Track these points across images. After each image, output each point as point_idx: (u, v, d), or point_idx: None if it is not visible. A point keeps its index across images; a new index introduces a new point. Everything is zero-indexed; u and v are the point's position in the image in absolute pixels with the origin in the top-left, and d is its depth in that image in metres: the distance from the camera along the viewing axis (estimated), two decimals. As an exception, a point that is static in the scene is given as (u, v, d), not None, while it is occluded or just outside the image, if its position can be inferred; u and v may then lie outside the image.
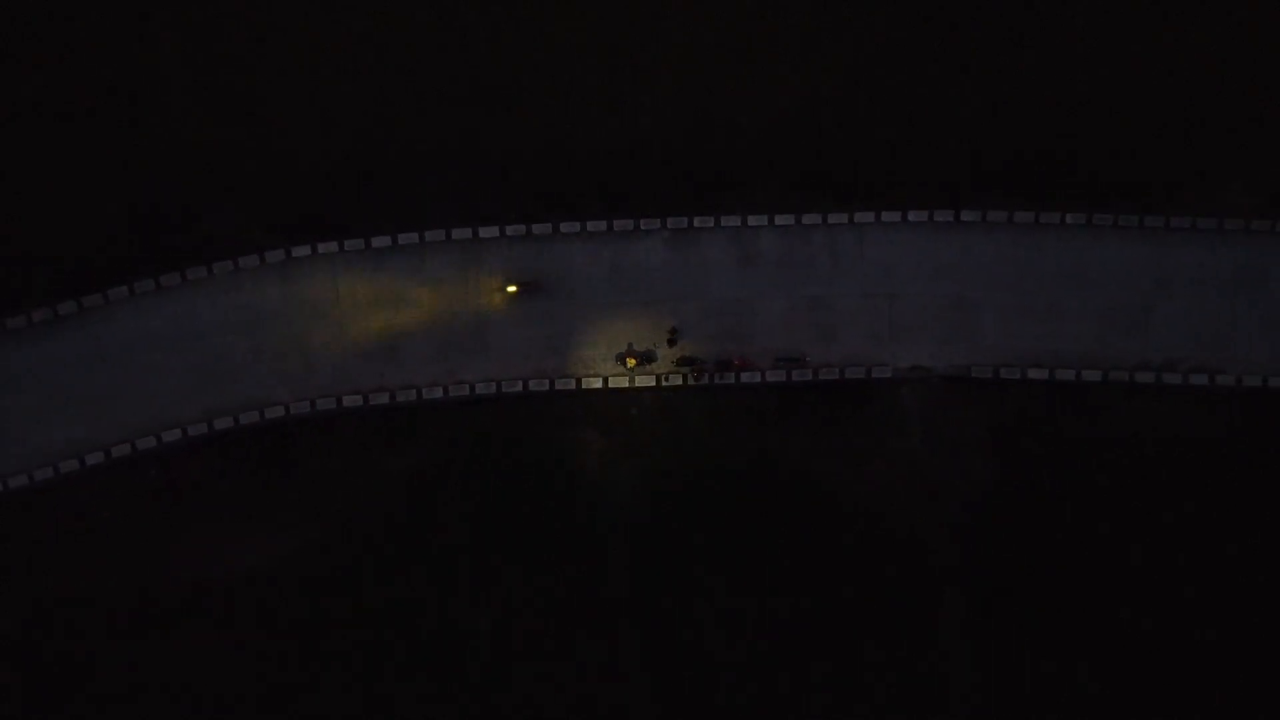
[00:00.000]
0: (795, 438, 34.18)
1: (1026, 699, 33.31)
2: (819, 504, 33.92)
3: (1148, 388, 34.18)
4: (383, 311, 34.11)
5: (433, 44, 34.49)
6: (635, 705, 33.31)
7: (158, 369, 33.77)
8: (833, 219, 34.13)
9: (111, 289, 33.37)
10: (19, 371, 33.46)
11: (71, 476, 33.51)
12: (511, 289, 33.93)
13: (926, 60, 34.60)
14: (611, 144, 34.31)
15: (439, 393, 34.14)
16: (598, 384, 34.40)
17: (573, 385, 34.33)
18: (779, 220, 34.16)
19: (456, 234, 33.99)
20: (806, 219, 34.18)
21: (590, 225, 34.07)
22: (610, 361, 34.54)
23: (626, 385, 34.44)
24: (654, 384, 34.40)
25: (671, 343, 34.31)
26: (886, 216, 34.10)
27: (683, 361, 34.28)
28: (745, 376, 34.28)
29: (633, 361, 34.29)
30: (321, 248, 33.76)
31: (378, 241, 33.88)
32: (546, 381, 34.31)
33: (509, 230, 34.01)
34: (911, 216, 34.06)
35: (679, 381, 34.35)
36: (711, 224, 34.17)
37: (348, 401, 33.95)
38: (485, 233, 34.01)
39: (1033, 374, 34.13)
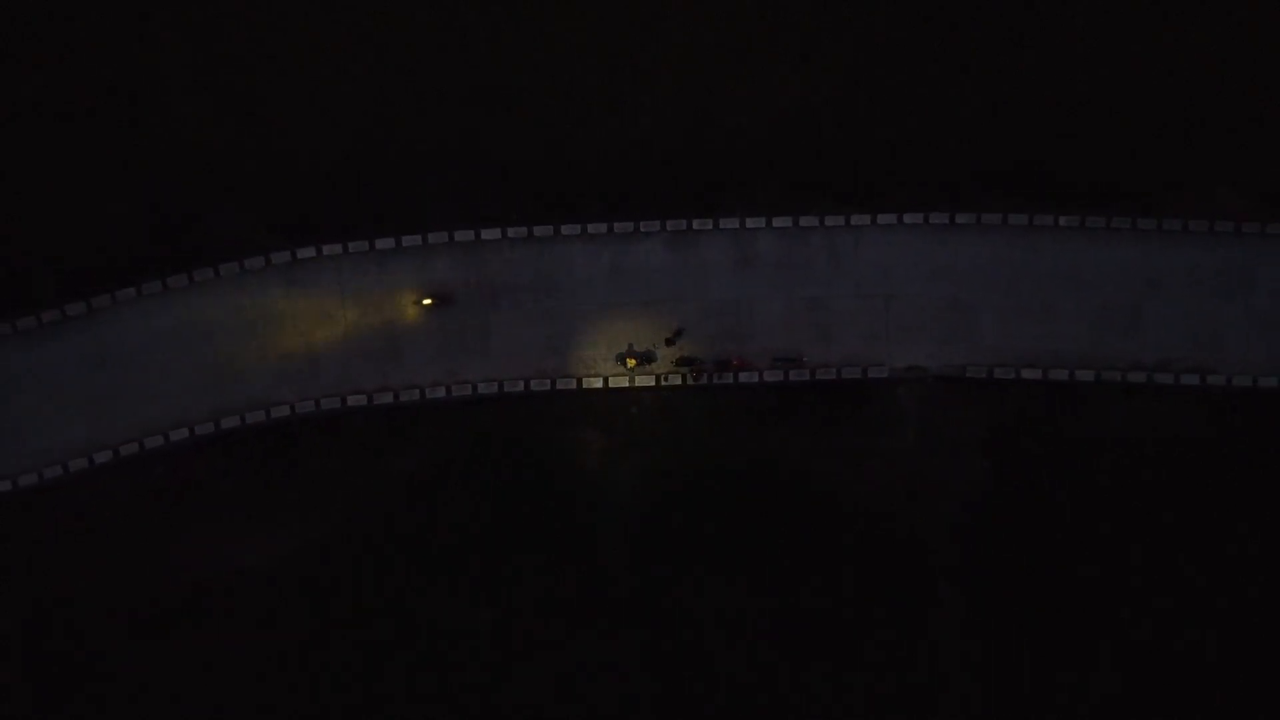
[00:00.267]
0: (793, 437, 34.31)
1: (1024, 697, 33.52)
2: (816, 501, 34.06)
3: (1140, 387, 34.30)
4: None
5: (435, 46, 34.54)
6: (635, 704, 33.45)
7: (165, 369, 33.89)
8: (830, 221, 34.22)
9: (119, 290, 33.52)
10: (29, 372, 33.62)
11: (80, 475, 33.67)
12: (426, 302, 33.95)
13: (923, 64, 34.62)
14: (611, 145, 34.35)
15: (442, 392, 34.27)
16: (598, 384, 34.53)
17: (574, 385, 34.47)
18: (777, 222, 34.25)
19: (459, 235, 34.07)
20: (804, 221, 34.27)
21: (591, 227, 34.15)
22: (611, 361, 34.67)
23: (626, 385, 34.57)
24: (654, 384, 34.52)
25: (670, 342, 34.44)
26: (883, 219, 34.19)
27: (682, 361, 34.40)
28: (743, 376, 34.39)
29: (633, 362, 34.42)
30: (326, 249, 33.88)
31: (381, 243, 33.97)
32: (548, 381, 34.45)
33: (511, 232, 34.09)
34: (907, 218, 34.17)
35: (678, 381, 34.45)
36: (710, 226, 34.25)
37: (352, 401, 34.11)
38: (487, 234, 34.09)
39: (1027, 374, 34.29)
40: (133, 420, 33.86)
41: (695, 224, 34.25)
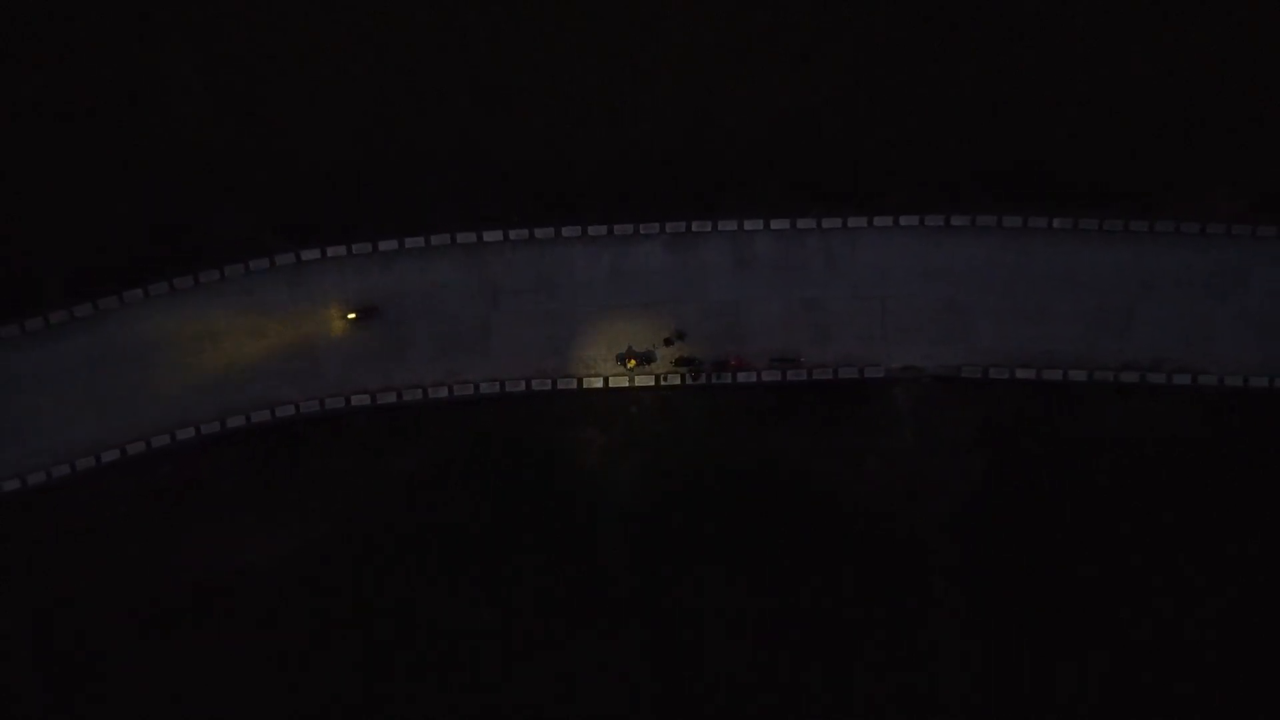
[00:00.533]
0: (790, 436, 34.49)
1: (1023, 696, 33.78)
2: (815, 500, 34.24)
3: (1133, 387, 34.47)
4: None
5: (435, 46, 34.49)
6: (636, 703, 33.68)
7: (172, 369, 34.06)
8: (827, 223, 34.31)
9: (126, 292, 33.65)
10: (37, 372, 33.78)
11: (87, 473, 33.86)
12: (350, 316, 33.99)
13: (923, 64, 34.63)
14: (611, 145, 34.38)
15: (444, 392, 34.47)
16: (599, 384, 34.70)
17: (574, 385, 34.65)
18: (775, 224, 34.36)
19: (461, 238, 34.23)
20: (801, 223, 34.37)
21: (591, 229, 34.25)
22: (611, 362, 34.84)
23: (626, 385, 34.76)
24: (653, 384, 34.69)
25: (669, 342, 34.62)
26: (879, 221, 34.31)
27: (681, 362, 34.57)
28: (742, 376, 34.58)
29: (633, 362, 34.60)
30: (330, 251, 34.04)
31: (385, 245, 34.11)
32: (549, 381, 34.64)
33: (512, 234, 34.26)
34: (903, 221, 34.28)
35: (677, 381, 34.67)
36: (709, 228, 34.37)
37: (355, 401, 34.33)
38: (489, 236, 34.25)
39: (1021, 374, 34.50)
40: (140, 419, 34.05)
41: (694, 226, 34.35)
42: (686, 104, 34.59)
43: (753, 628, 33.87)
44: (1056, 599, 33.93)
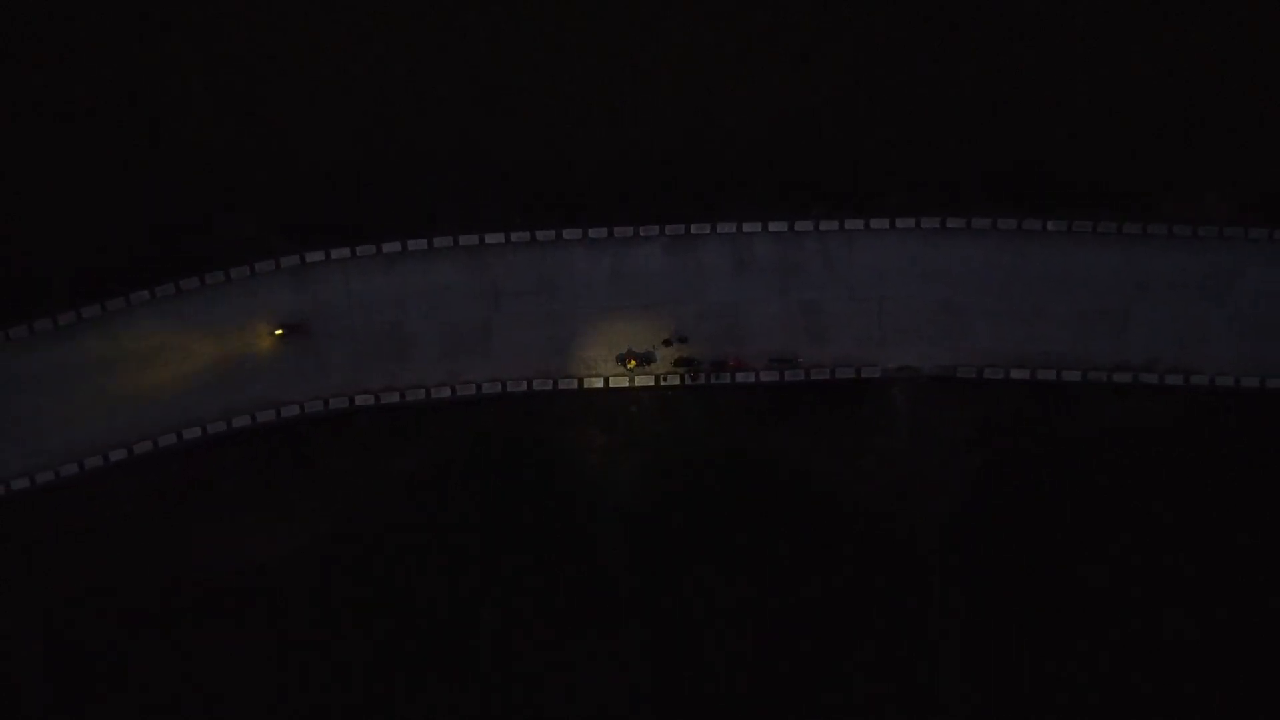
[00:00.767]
0: (789, 436, 34.68)
1: (1023, 696, 33.96)
2: (813, 499, 34.42)
3: (1126, 387, 34.66)
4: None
5: (435, 46, 34.57)
6: (636, 702, 33.84)
7: (178, 369, 34.27)
8: (824, 226, 34.45)
9: (133, 293, 33.85)
10: (45, 372, 34.01)
11: (95, 473, 34.09)
12: (278, 332, 34.05)
13: (923, 64, 34.71)
14: (611, 146, 34.49)
15: (447, 392, 34.70)
16: (599, 384, 34.91)
17: (575, 385, 34.87)
18: (773, 227, 34.49)
19: (464, 240, 34.39)
20: (799, 225, 34.50)
21: (591, 232, 34.43)
22: (611, 362, 35.04)
23: (626, 385, 34.97)
24: (653, 384, 34.89)
25: (668, 343, 34.82)
26: (875, 223, 34.46)
27: (680, 362, 34.78)
28: (740, 376, 34.79)
29: (633, 362, 34.82)
30: (334, 253, 34.19)
31: (388, 247, 34.29)
32: (550, 381, 34.87)
33: (514, 236, 34.43)
34: (900, 223, 34.44)
35: (677, 381, 34.89)
36: (708, 230, 34.52)
37: (359, 401, 34.56)
38: (491, 238, 34.42)
39: (1015, 374, 34.68)
40: (147, 420, 34.28)
41: (693, 229, 34.50)
42: (686, 104, 34.66)
43: (752, 627, 34.06)
44: (1054, 597, 34.10)
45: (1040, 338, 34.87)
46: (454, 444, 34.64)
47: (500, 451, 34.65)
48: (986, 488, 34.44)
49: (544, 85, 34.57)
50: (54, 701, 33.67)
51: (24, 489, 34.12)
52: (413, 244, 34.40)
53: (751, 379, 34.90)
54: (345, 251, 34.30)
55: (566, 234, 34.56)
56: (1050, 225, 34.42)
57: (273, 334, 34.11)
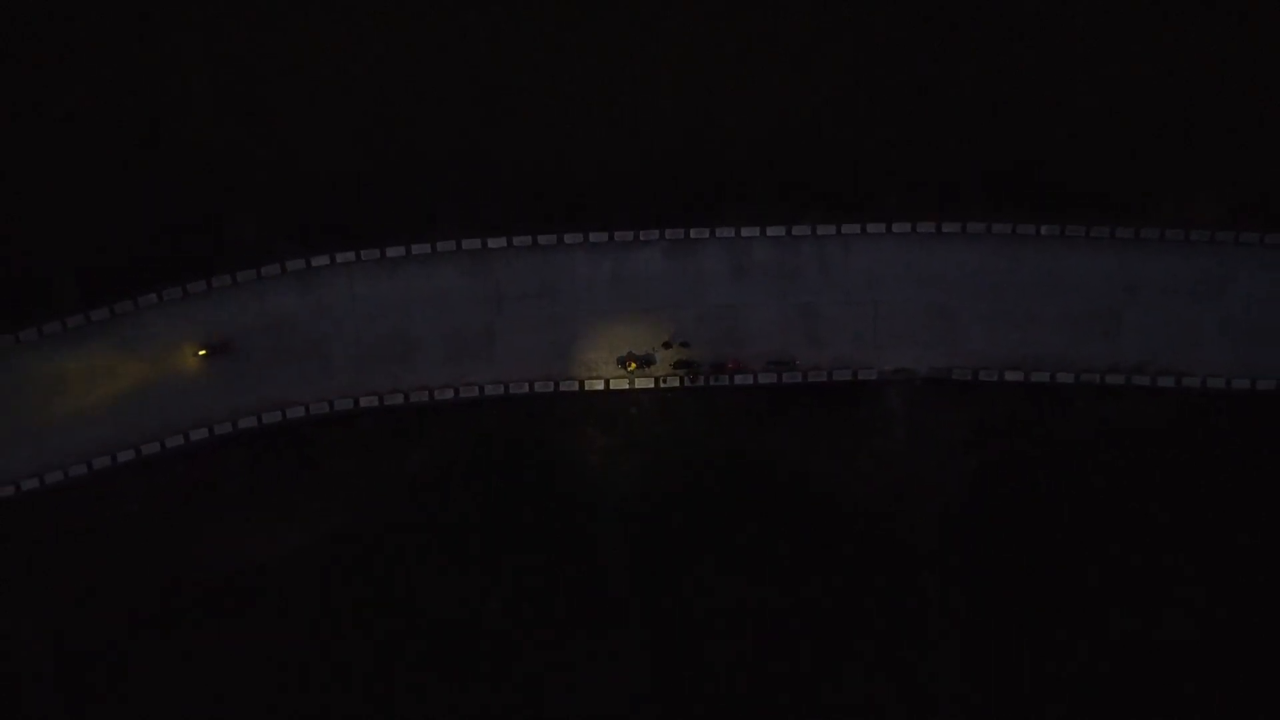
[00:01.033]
0: (787, 436, 34.86)
1: (1022, 695, 34.08)
2: (811, 500, 34.56)
3: (1118, 389, 34.84)
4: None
5: (436, 49, 34.62)
6: (636, 702, 33.99)
7: (185, 370, 34.52)
8: (821, 230, 34.58)
9: (141, 295, 34.11)
10: (54, 374, 34.28)
11: (103, 473, 34.38)
12: (201, 353, 34.13)
13: (923, 64, 34.77)
14: (611, 148, 34.58)
15: (450, 394, 34.95)
16: (600, 386, 35.12)
17: (576, 387, 35.11)
18: (771, 232, 34.64)
19: (466, 244, 34.57)
20: (796, 230, 34.65)
21: (592, 236, 34.64)
22: (612, 365, 35.24)
23: (627, 387, 35.20)
24: (653, 386, 35.11)
25: (668, 345, 35.05)
26: (872, 228, 34.60)
27: (680, 365, 35.03)
28: (738, 379, 35.03)
29: (633, 365, 35.04)
30: (339, 257, 34.41)
31: (392, 251, 34.55)
32: (552, 384, 35.11)
33: (516, 241, 34.62)
34: (895, 228, 34.59)
35: (676, 383, 35.13)
36: (707, 235, 34.73)
37: (364, 402, 34.86)
38: (494, 243, 34.63)
39: (1010, 376, 34.90)
40: (154, 420, 34.55)
41: (693, 233, 34.74)
42: (686, 105, 34.70)
43: (752, 627, 34.21)
44: (1052, 596, 34.23)
45: (1034, 341, 35.01)
46: (456, 445, 34.84)
47: (502, 452, 34.85)
48: (983, 488, 34.58)
49: (544, 86, 34.64)
50: (58, 701, 33.84)
51: (33, 489, 34.38)
52: (416, 248, 34.63)
53: (750, 381, 35.11)
54: (350, 255, 34.52)
55: (568, 238, 34.73)
56: (1044, 230, 34.56)
57: (197, 355, 34.07)
